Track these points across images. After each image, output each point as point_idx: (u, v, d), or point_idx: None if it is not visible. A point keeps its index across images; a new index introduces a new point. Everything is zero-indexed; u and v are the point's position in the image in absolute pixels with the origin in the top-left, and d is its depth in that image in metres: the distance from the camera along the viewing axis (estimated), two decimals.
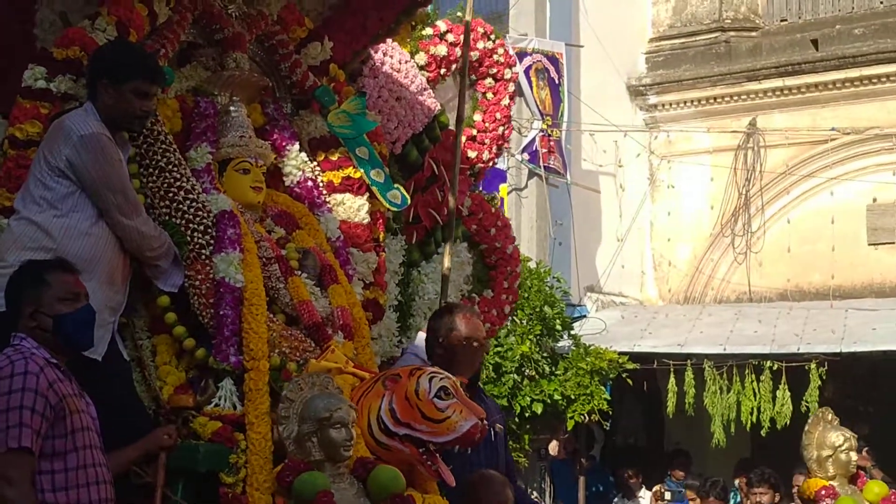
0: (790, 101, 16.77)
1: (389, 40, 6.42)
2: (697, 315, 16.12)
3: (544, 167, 15.62)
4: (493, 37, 7.20)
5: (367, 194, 5.90)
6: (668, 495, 13.21)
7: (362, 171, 5.86)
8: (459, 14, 6.89)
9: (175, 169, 5.13)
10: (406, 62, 6.52)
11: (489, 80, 7.29)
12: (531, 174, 15.88)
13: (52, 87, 5.06)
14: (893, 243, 15.98)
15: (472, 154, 6.99)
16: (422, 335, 5.93)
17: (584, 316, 16.00)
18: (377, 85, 6.29)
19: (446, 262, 6.14)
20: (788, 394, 15.05)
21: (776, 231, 16.79)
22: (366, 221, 5.85)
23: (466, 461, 5.24)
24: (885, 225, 16.03)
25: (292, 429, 4.71)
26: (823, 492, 7.22)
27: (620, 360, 14.63)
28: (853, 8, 16.96)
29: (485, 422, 4.88)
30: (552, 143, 15.81)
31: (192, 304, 5.10)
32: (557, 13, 16.34)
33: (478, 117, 7.08)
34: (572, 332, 14.62)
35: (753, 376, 15.14)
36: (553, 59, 15.92)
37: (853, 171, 16.34)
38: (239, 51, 5.59)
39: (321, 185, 5.85)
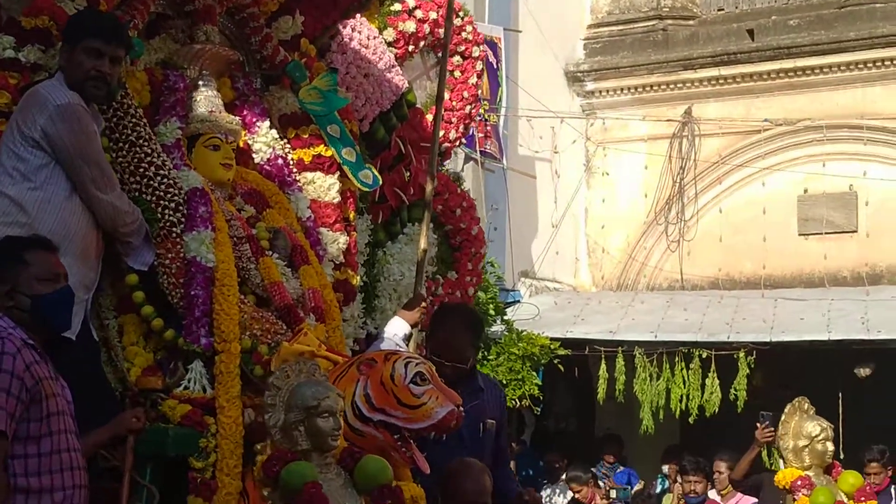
0: (725, 90, 16.86)
1: (358, 15, 6.28)
2: (630, 302, 16.17)
3: (480, 151, 15.54)
4: (461, 14, 7.09)
5: (338, 173, 5.79)
6: (612, 493, 13.23)
7: (333, 149, 5.75)
8: None
9: (146, 144, 4.98)
10: (374, 38, 6.39)
11: (457, 58, 7.19)
12: (467, 158, 15.79)
13: (21, 56, 4.89)
14: (823, 234, 16.14)
15: (441, 132, 6.84)
16: (396, 320, 5.84)
17: (518, 301, 15.97)
18: (345, 61, 6.15)
19: (422, 244, 6.02)
20: (717, 382, 15.16)
21: (709, 220, 16.90)
22: (336, 201, 5.74)
23: (447, 451, 5.19)
24: (815, 216, 16.19)
25: (279, 417, 4.56)
26: (799, 482, 7.22)
27: (552, 346, 14.62)
28: None
29: (461, 408, 4.80)
30: (489, 127, 15.74)
31: (162, 283, 4.96)
32: None
33: (446, 95, 6.93)
34: (505, 318, 14.59)
35: (683, 364, 15.24)
36: (491, 44, 15.81)
37: (785, 161, 16.47)
38: (209, 23, 5.45)
39: (291, 162, 5.72)
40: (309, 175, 5.75)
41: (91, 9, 4.96)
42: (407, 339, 5.82)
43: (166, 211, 4.96)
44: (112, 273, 5.00)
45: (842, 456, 15.39)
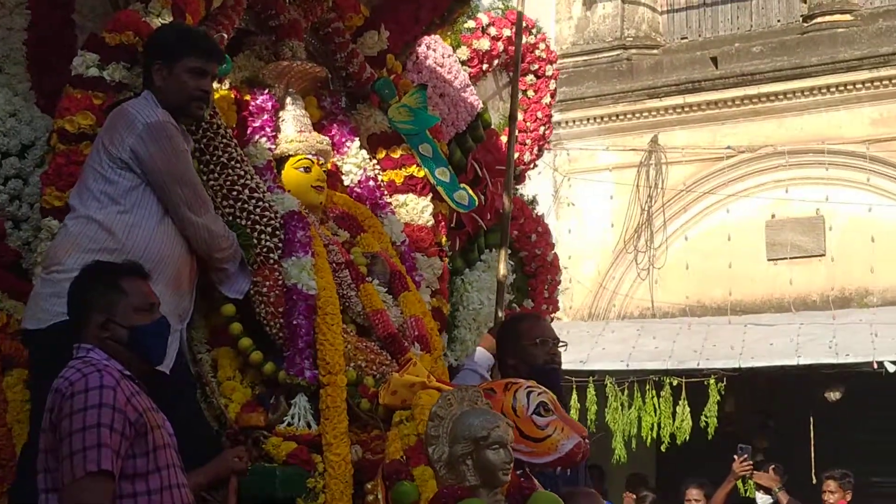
0: (691, 118, 16.83)
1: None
2: (600, 331, 16.05)
3: None
4: (534, 31, 6.87)
5: (430, 195, 5.53)
6: None
7: (426, 169, 5.48)
8: (500, 6, 6.51)
9: (238, 165, 4.70)
10: (449, 56, 6.14)
11: (530, 77, 6.90)
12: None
13: (105, 75, 4.61)
14: (791, 259, 16.17)
15: (515, 154, 6.59)
16: (479, 350, 5.56)
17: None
18: (420, 80, 5.87)
19: (501, 269, 5.75)
20: (688, 409, 15.11)
21: (678, 247, 16.86)
22: (430, 224, 5.48)
23: (553, 480, 4.89)
24: (783, 241, 16.19)
25: (443, 450, 4.19)
26: None
27: None
28: (751, 26, 17.06)
29: (587, 440, 4.53)
30: None
31: (259, 312, 4.66)
32: None
33: (519, 116, 6.68)
34: None
35: (654, 392, 15.18)
36: None
37: (752, 187, 16.45)
38: (295, 39, 5.18)
39: (382, 184, 5.46)
40: (401, 197, 5.48)
41: (183, 24, 4.67)
42: (491, 369, 5.54)
43: (262, 236, 4.67)
44: (204, 304, 4.70)
45: (814, 481, 15.44)
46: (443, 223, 5.63)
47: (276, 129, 5.07)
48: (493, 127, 6.40)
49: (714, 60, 16.62)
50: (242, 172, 4.69)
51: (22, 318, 4.47)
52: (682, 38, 17.57)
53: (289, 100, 5.15)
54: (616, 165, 16.50)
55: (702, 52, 16.89)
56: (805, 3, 16.72)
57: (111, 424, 3.63)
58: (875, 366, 14.23)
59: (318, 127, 5.33)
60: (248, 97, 5.06)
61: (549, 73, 6.95)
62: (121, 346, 3.84)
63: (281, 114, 5.12)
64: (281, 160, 5.05)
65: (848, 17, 16.28)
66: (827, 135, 16.02)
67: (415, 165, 5.50)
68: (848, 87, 15.94)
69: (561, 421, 4.50)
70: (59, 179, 4.54)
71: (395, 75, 5.63)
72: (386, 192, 5.45)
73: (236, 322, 4.65)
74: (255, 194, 4.70)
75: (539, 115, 6.92)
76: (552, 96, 7.01)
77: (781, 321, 15.70)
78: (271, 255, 4.67)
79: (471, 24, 6.54)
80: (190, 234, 4.45)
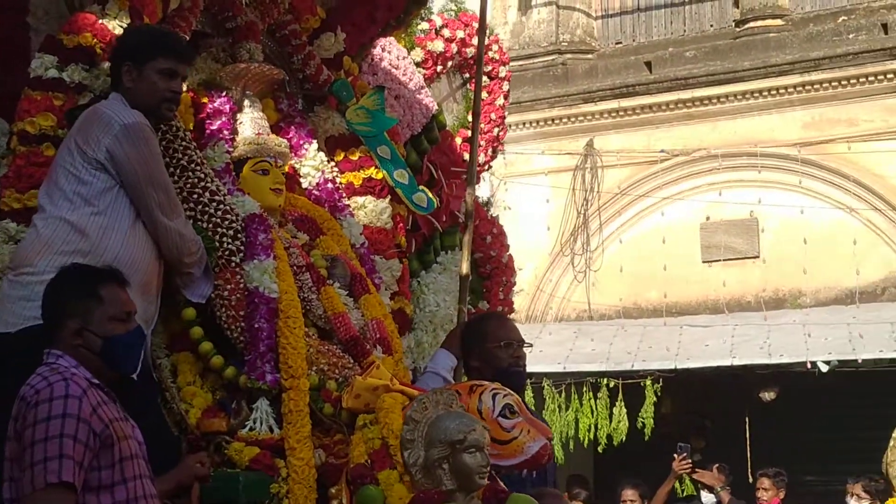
0: (625, 122, 16.95)
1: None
2: (538, 334, 16.08)
3: None
4: (488, 32, 6.84)
5: (389, 197, 5.51)
6: None
7: (385, 171, 5.46)
8: (453, 7, 6.50)
9: (198, 168, 4.65)
10: (404, 58, 6.11)
11: (483, 79, 6.83)
12: None
13: (65, 76, 4.55)
14: (726, 260, 16.32)
15: (467, 156, 6.56)
16: (441, 352, 5.53)
17: None
18: (375, 82, 5.84)
19: (464, 269, 5.73)
20: (625, 410, 15.23)
21: (614, 250, 16.98)
22: (389, 226, 5.46)
23: (511, 483, 4.88)
24: (717, 243, 16.35)
25: (419, 454, 4.17)
26: None
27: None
28: (685, 31, 17.24)
29: (551, 440, 4.53)
30: None
31: (220, 316, 4.61)
32: None
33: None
34: None
35: (591, 394, 15.28)
36: None
37: (686, 190, 16.59)
38: (252, 41, 5.13)
39: (340, 187, 5.42)
40: (360, 199, 5.45)
41: (153, 26, 4.63)
42: (453, 370, 5.52)
43: (224, 239, 4.62)
44: (163, 308, 4.63)
45: (750, 479, 15.60)
46: (401, 225, 5.62)
47: (234, 132, 5.02)
48: (447, 129, 6.39)
49: (648, 65, 16.76)
50: (202, 175, 4.64)
51: None
52: (616, 43, 17.70)
53: (246, 102, 5.10)
54: (552, 169, 16.59)
55: (636, 57, 17.02)
56: (737, 7, 16.92)
57: (75, 435, 3.58)
58: (808, 366, 14.44)
59: (276, 129, 5.29)
60: (205, 100, 5.01)
61: (501, 74, 6.96)
62: (93, 355, 3.78)
63: (238, 116, 5.07)
64: (239, 163, 5.00)
65: (779, 21, 16.49)
66: (760, 138, 16.21)
67: (373, 167, 5.47)
68: (780, 91, 16.14)
69: (527, 423, 4.49)
70: (18, 181, 4.46)
71: (353, 77, 5.61)
72: (344, 195, 5.43)
73: (197, 326, 4.60)
74: (216, 197, 4.65)
75: (493, 116, 6.92)
76: (505, 97, 7.01)
77: (716, 322, 15.87)
78: (233, 258, 4.63)
79: (424, 25, 6.52)
80: (161, 238, 4.39)
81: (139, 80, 4.41)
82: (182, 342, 4.63)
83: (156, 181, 4.33)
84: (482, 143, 6.80)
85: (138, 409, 4.07)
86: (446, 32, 6.53)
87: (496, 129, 6.94)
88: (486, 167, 7.10)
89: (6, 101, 4.67)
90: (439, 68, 6.56)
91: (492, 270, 6.64)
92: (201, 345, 4.59)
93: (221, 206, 4.65)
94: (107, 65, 4.58)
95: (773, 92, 16.16)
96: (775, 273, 16.15)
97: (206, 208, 4.62)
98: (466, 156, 6.34)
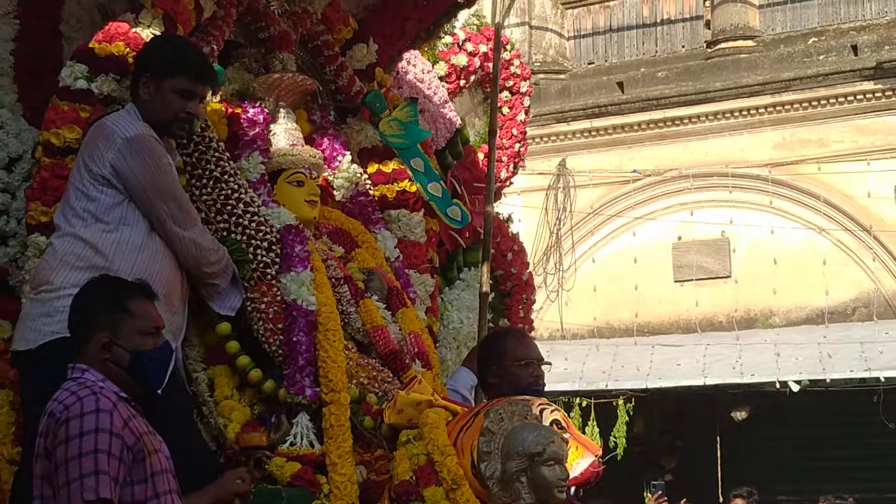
0: (598, 142, 17.02)
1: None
2: None
3: None
4: (508, 47, 6.81)
5: (422, 210, 5.43)
6: None
7: (418, 184, 5.38)
8: (476, 21, 6.45)
9: (231, 179, 4.57)
10: (428, 72, 6.03)
11: (505, 94, 6.83)
12: None
13: (94, 87, 4.47)
14: (698, 280, 16.38)
15: None
16: (462, 370, 5.44)
17: None
18: (401, 95, 5.78)
19: (484, 287, 5.65)
20: (597, 430, 15.23)
21: (587, 269, 17.00)
22: (423, 240, 5.38)
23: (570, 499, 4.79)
24: (689, 262, 16.42)
25: (495, 467, 4.05)
26: None
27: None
28: (657, 52, 17.36)
29: (599, 458, 4.47)
30: None
31: (257, 329, 4.52)
32: None
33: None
34: None
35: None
36: None
37: (658, 210, 16.68)
38: (285, 51, 5.06)
39: (374, 199, 5.35)
40: (393, 213, 5.37)
41: (180, 40, 4.52)
42: (473, 389, 5.45)
43: (259, 251, 4.53)
44: (199, 322, 4.55)
45: (721, 499, 15.63)
46: (433, 239, 5.54)
47: (268, 143, 4.93)
48: (470, 144, 6.33)
49: (620, 85, 16.83)
50: (236, 186, 4.56)
51: (12, 340, 4.29)
52: (588, 64, 17.76)
53: (281, 113, 5.03)
54: (524, 189, 16.58)
55: (608, 77, 17.09)
56: (709, 29, 17.03)
57: (109, 450, 3.48)
58: (779, 385, 14.49)
59: (309, 141, 5.21)
60: (238, 110, 4.92)
61: (523, 89, 6.91)
62: (120, 369, 3.68)
63: (272, 127, 5.00)
64: (273, 174, 4.92)
65: (750, 42, 16.63)
66: (731, 158, 16.31)
67: (407, 180, 5.40)
68: (751, 112, 16.27)
69: (575, 439, 4.44)
70: (44, 194, 4.39)
71: (385, 88, 5.54)
72: (377, 208, 5.36)
73: (234, 340, 4.51)
74: (250, 208, 4.57)
75: (514, 131, 6.86)
76: (526, 113, 6.96)
77: (688, 342, 15.92)
78: (268, 270, 4.54)
79: (448, 39, 6.45)
80: (177, 249, 4.30)
81: (155, 95, 4.31)
82: (219, 355, 4.55)
83: (164, 192, 4.22)
84: (503, 158, 6.75)
85: (164, 423, 3.98)
86: (469, 46, 6.47)
87: (517, 145, 6.88)
88: (508, 183, 7.04)
89: (40, 110, 4.58)
90: (462, 82, 6.49)
91: (512, 288, 6.56)
92: (239, 359, 4.51)
93: (255, 217, 4.56)
94: None
95: (745, 112, 16.29)
96: (747, 293, 16.23)
97: (240, 220, 4.53)
98: None
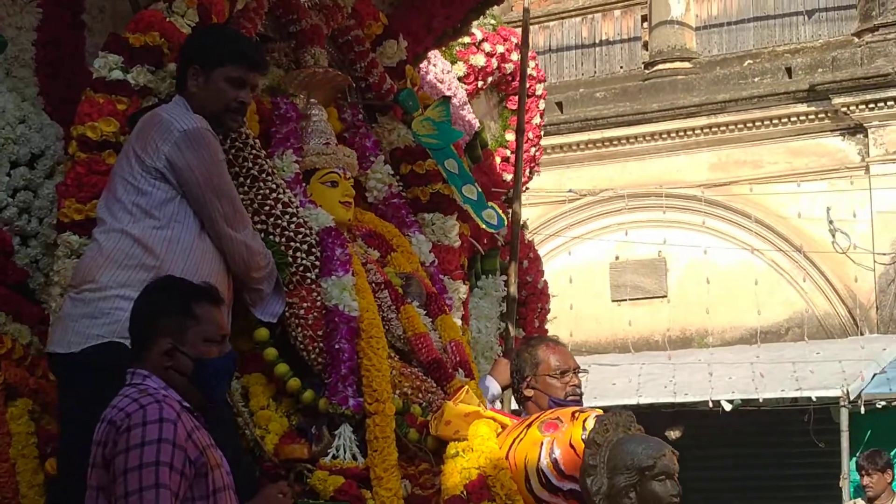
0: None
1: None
2: None
3: None
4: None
5: (456, 213, 5.22)
6: None
7: (453, 186, 5.16)
8: (492, 21, 6.26)
9: (269, 178, 4.33)
10: (448, 72, 5.85)
11: None
12: None
13: (130, 78, 4.23)
14: (634, 300, 16.35)
15: (507, 177, 6.28)
16: (487, 379, 5.26)
17: None
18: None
19: (512, 291, 5.45)
20: None
21: None
22: (457, 245, 5.16)
23: None
24: (626, 282, 16.39)
25: (602, 481, 3.85)
26: None
27: None
28: (595, 72, 17.33)
29: None
30: None
31: (296, 336, 4.30)
32: None
33: (510, 136, 6.39)
34: None
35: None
36: None
37: (596, 230, 16.63)
38: (317, 45, 4.83)
39: (407, 201, 5.13)
40: (427, 216, 5.15)
41: (227, 28, 4.32)
42: (500, 400, 5.26)
43: (298, 254, 4.31)
44: (231, 327, 4.28)
45: None
46: (466, 244, 5.34)
47: (301, 141, 4.69)
48: (488, 147, 6.14)
49: (559, 105, 16.75)
50: (274, 186, 4.33)
51: (48, 342, 4.03)
52: None
53: (313, 111, 4.80)
54: None
55: (547, 97, 17.01)
56: (647, 50, 17.07)
57: (171, 462, 3.27)
58: (711, 404, 14.49)
59: (340, 140, 4.96)
60: (269, 106, 4.68)
61: (538, 92, 6.76)
62: (182, 378, 3.46)
63: (304, 124, 4.77)
64: (306, 174, 4.68)
65: (687, 64, 16.68)
66: (667, 179, 16.31)
67: (441, 182, 5.19)
68: (687, 133, 16.28)
69: None
70: (79, 191, 4.15)
71: (416, 87, 5.33)
72: (411, 210, 5.14)
73: (272, 347, 4.27)
74: (289, 209, 4.34)
75: (530, 135, 6.70)
76: (541, 116, 6.80)
77: (623, 361, 15.86)
78: (308, 274, 4.31)
79: (465, 39, 6.27)
80: (227, 251, 4.08)
81: (205, 86, 4.11)
82: (253, 363, 4.31)
83: (220, 190, 4.02)
84: None
85: (219, 436, 3.75)
86: (486, 47, 6.31)
87: (533, 149, 6.72)
88: (524, 187, 6.84)
89: (58, 103, 4.31)
90: (480, 83, 6.31)
91: (527, 296, 6.37)
92: (277, 367, 4.27)
93: (294, 218, 4.34)
94: (173, 66, 4.27)
95: (681, 133, 16.30)
96: (682, 312, 16.23)
97: (279, 221, 4.31)
98: (506, 175, 6.09)
